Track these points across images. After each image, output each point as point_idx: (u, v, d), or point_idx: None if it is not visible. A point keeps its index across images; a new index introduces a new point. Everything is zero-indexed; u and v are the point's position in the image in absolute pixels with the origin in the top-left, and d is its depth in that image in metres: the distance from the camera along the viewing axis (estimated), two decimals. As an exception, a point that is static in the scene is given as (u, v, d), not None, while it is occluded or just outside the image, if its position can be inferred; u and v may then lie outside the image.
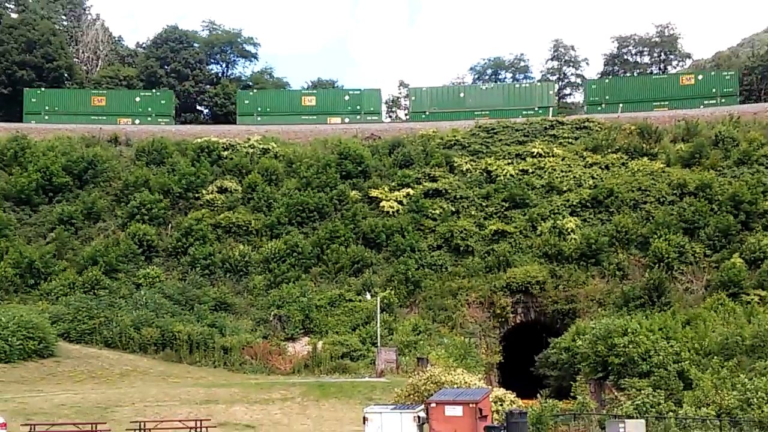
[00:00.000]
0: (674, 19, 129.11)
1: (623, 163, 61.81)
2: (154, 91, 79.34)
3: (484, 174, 62.46)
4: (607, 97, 73.18)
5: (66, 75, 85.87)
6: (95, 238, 56.25)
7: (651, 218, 55.85)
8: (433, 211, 58.81)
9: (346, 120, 73.85)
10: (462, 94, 76.15)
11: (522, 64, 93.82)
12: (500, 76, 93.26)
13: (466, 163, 63.34)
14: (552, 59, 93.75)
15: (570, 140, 65.76)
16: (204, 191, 60.69)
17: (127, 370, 40.09)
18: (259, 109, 74.82)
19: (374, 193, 60.71)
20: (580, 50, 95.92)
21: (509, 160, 63.64)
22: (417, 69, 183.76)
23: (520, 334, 52.42)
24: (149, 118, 73.86)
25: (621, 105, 70.79)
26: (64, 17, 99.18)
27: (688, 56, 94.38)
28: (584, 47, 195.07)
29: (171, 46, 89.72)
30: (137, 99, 75.45)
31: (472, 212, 59.08)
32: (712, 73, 77.46)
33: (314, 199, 58.93)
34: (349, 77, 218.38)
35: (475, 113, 72.74)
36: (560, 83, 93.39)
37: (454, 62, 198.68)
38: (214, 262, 54.51)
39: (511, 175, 61.58)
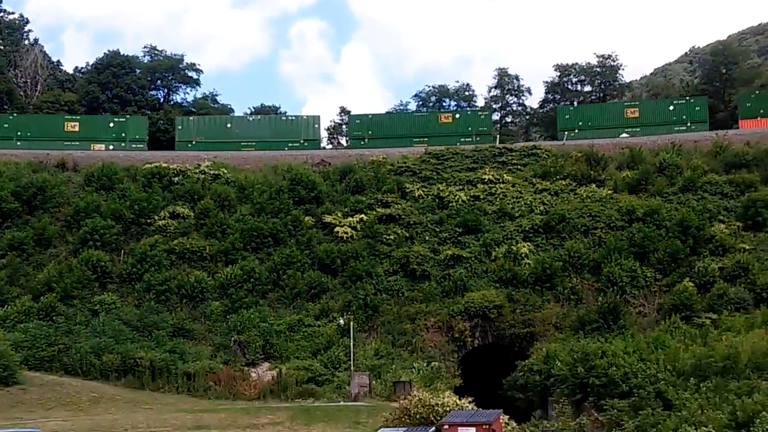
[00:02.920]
0: (616, 48, 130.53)
1: (572, 190, 62.94)
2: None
3: (436, 200, 63.03)
4: (370, 132, 76.15)
5: (6, 99, 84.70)
6: (47, 265, 55.23)
7: (602, 243, 56.84)
8: (387, 237, 59.07)
9: (110, 147, 73.65)
10: (229, 125, 77.96)
11: (467, 93, 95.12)
12: (445, 104, 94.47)
13: (417, 189, 63.86)
14: (495, 87, 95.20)
15: (519, 167, 66.83)
16: (156, 217, 60.16)
17: (95, 398, 39.53)
18: (19, 133, 73.95)
19: (328, 219, 60.77)
20: (525, 80, 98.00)
21: (460, 187, 64.36)
22: (358, 94, 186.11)
23: (477, 358, 52.89)
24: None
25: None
26: (1, 41, 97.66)
27: (628, 87, 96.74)
28: (531, 77, 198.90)
29: (113, 72, 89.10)
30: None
31: (426, 237, 59.55)
32: (468, 112, 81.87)
33: (268, 224, 58.80)
34: (284, 101, 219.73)
35: (242, 144, 74.38)
36: (502, 111, 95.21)
37: (400, 89, 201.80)
38: (170, 288, 53.97)
39: (463, 201, 62.22)
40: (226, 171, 66.37)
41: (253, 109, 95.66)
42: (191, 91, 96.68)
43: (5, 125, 74.50)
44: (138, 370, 45.23)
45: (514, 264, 55.78)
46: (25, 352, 44.67)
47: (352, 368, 45.08)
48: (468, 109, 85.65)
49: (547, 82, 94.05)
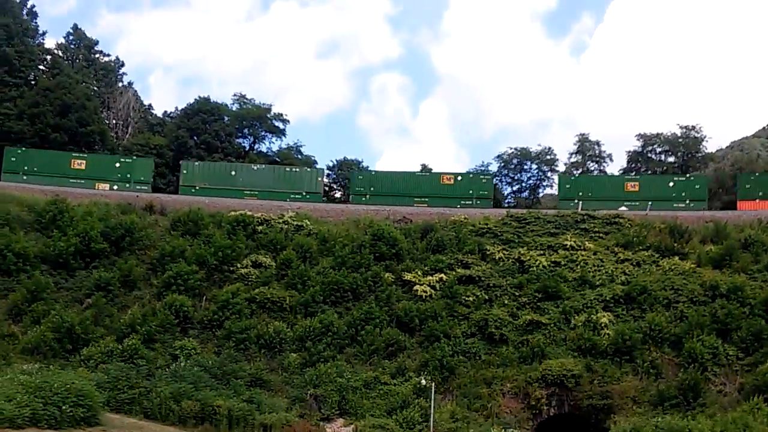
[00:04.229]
0: (695, 119, 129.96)
1: (654, 261, 62.37)
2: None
3: (517, 264, 63.03)
4: (372, 189, 78.65)
5: (99, 140, 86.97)
6: (131, 307, 56.37)
7: (684, 318, 56.03)
8: (466, 298, 59.08)
9: (114, 187, 75.46)
10: (233, 172, 79.18)
11: (548, 157, 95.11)
12: (526, 167, 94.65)
13: (498, 251, 63.94)
14: (576, 153, 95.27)
15: (601, 235, 66.63)
16: (239, 265, 61.12)
17: (175, 443, 39.98)
18: (26, 167, 76.08)
19: (408, 276, 61.02)
20: (606, 146, 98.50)
21: (541, 251, 64.26)
22: (433, 151, 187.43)
23: (553, 427, 52.40)
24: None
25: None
26: (95, 82, 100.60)
27: (711, 158, 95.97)
28: (611, 144, 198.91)
29: (202, 118, 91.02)
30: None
31: (505, 301, 59.35)
32: (470, 175, 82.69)
33: (348, 279, 59.30)
34: (361, 153, 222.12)
35: (245, 192, 75.96)
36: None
37: (476, 147, 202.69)
38: (249, 338, 54.44)
39: (544, 267, 62.08)
40: (308, 222, 67.31)
41: (335, 162, 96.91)
42: (277, 140, 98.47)
43: (12, 158, 76.99)
44: (216, 419, 45.26)
45: (593, 333, 55.23)
46: (107, 393, 45.03)
47: (431, 430, 44.90)
48: (470, 172, 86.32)
49: (629, 151, 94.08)
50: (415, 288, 59.98)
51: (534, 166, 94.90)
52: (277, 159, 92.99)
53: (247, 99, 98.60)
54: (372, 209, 73.37)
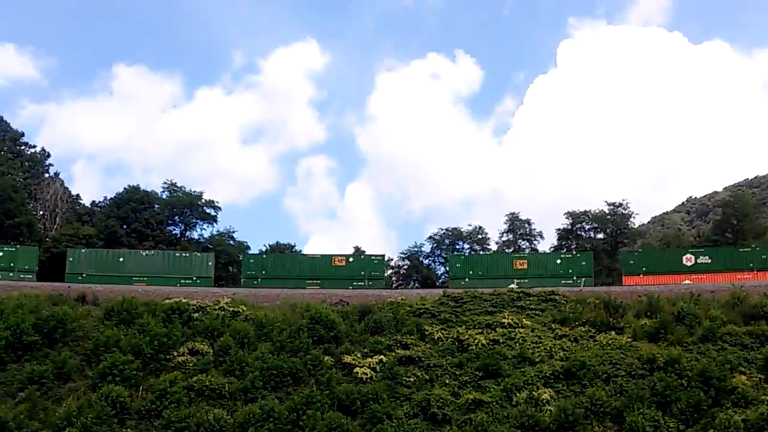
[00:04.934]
0: (621, 196, 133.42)
1: (591, 336, 63.04)
2: None
3: (456, 343, 63.09)
4: (264, 272, 79.66)
5: (26, 232, 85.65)
6: (66, 399, 54.87)
7: (624, 392, 56.47)
8: (407, 379, 58.80)
9: None
10: (121, 259, 78.98)
11: (480, 236, 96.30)
12: (458, 247, 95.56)
13: (437, 331, 64.03)
14: (507, 232, 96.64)
15: (537, 312, 67.25)
16: (175, 353, 60.02)
17: None
18: None
19: (347, 359, 60.58)
20: (536, 224, 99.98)
21: (479, 330, 64.50)
22: (361, 232, 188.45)
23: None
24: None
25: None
26: (21, 174, 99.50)
27: (639, 234, 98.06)
28: (540, 221, 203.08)
29: (132, 206, 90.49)
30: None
31: (447, 381, 59.17)
32: (362, 257, 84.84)
33: (288, 363, 58.54)
34: (290, 237, 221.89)
35: (134, 279, 75.80)
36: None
37: (403, 228, 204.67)
38: (189, 426, 53.08)
39: (483, 345, 62.24)
40: (245, 308, 66.70)
41: (268, 247, 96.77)
42: (208, 227, 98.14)
43: None
44: None
45: (535, 410, 55.20)
46: (44, 491, 43.97)
47: None
48: (362, 254, 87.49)
49: (559, 229, 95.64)
50: (355, 370, 59.51)
51: (466, 246, 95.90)
52: (209, 246, 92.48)
53: (177, 186, 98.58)
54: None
